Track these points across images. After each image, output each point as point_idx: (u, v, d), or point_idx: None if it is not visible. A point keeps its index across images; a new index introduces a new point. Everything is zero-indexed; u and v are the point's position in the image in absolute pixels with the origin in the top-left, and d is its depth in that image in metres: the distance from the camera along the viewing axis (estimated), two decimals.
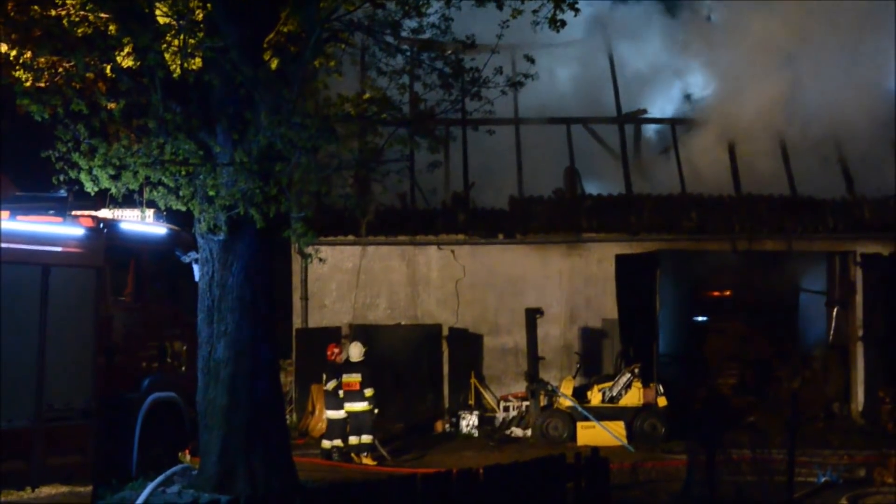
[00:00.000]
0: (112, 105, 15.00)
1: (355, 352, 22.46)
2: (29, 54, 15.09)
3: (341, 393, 22.14)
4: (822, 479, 18.95)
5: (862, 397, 26.67)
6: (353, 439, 22.01)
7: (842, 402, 27.25)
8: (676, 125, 30.19)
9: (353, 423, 22.05)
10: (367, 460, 21.72)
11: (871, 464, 19.82)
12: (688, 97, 31.25)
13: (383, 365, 24.48)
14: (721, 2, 30.49)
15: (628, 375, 24.25)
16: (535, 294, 26.81)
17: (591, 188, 28.90)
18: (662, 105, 31.42)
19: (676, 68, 31.50)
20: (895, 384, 21.40)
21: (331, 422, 22.38)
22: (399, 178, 17.58)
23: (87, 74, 15.07)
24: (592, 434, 23.36)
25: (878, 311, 26.75)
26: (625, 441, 23.27)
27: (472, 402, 26.46)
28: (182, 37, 14.83)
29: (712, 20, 31.06)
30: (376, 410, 22.23)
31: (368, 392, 21.99)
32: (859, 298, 27.13)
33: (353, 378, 22.12)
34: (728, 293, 32.04)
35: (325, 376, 22.59)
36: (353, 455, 21.89)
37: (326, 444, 22.22)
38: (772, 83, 28.77)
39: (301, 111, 14.90)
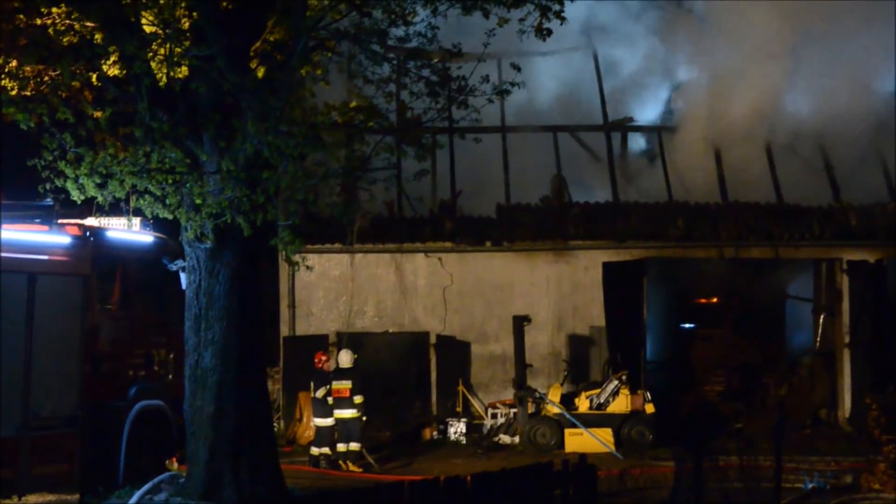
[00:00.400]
0: (98, 113, 14.98)
1: (345, 358, 22.46)
2: (14, 63, 15.05)
3: (330, 400, 22.13)
4: (810, 486, 18.99)
5: (849, 404, 26.72)
6: (340, 446, 22.00)
7: (829, 408, 27.31)
8: (663, 133, 30.26)
9: (342, 431, 22.04)
10: (353, 468, 21.72)
11: (858, 470, 19.84)
12: (672, 104, 31.28)
13: (371, 372, 24.48)
14: (708, 2, 30.56)
15: (616, 382, 24.25)
16: (523, 301, 26.84)
17: (579, 196, 28.94)
18: (648, 113, 31.49)
19: (663, 74, 31.60)
20: (882, 391, 21.38)
21: (319, 429, 22.37)
22: (386, 187, 17.61)
23: (73, 83, 15.05)
24: (580, 441, 23.36)
25: (865, 318, 26.80)
26: (612, 448, 23.28)
27: (459, 409, 26.47)
28: (168, 45, 14.83)
29: (695, 13, 30.99)
30: (364, 418, 22.24)
31: (358, 399, 22.00)
32: (846, 305, 27.18)
33: (343, 385, 22.12)
34: (715, 300, 32.10)
35: (313, 384, 22.56)
36: (340, 462, 21.88)
37: (315, 451, 22.22)
38: (757, 90, 28.86)
39: (288, 119, 14.91)
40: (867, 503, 17.89)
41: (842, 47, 29.34)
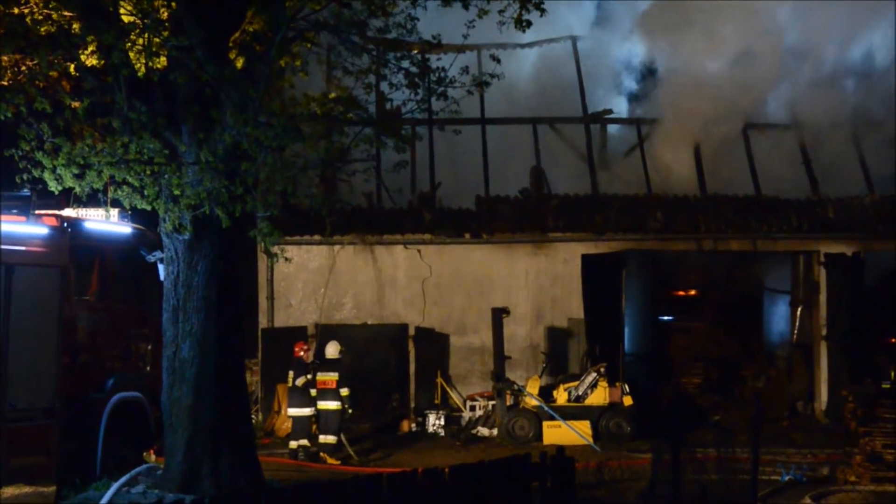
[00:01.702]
0: (76, 104, 14.91)
1: (332, 350, 22.40)
2: None
3: (313, 391, 22.07)
4: (786, 478, 19.07)
5: (825, 396, 26.82)
6: (321, 438, 21.97)
7: (806, 400, 27.42)
8: (642, 125, 30.31)
9: (322, 422, 22.00)
10: (332, 460, 21.68)
11: (835, 462, 19.97)
12: (651, 96, 31.35)
13: (350, 364, 24.38)
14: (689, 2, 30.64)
15: (594, 375, 24.30)
16: (502, 293, 26.86)
17: (558, 188, 28.96)
18: (628, 105, 31.56)
19: (642, 66, 31.71)
20: (858, 383, 21.53)
21: (295, 420, 22.29)
22: (365, 178, 17.58)
23: (51, 73, 14.98)
24: (558, 433, 23.41)
25: (842, 311, 26.90)
26: (591, 440, 23.33)
27: (438, 401, 26.49)
28: (147, 35, 14.77)
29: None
30: (350, 410, 22.22)
31: (345, 392, 21.99)
32: (823, 298, 27.27)
33: (330, 376, 22.08)
34: (693, 293, 32.19)
35: (292, 374, 22.45)
36: (321, 454, 21.83)
37: (294, 444, 22.14)
38: (736, 82, 28.94)
39: (267, 110, 14.87)
40: (843, 495, 17.96)
41: (817, 40, 29.51)
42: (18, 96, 14.61)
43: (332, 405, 21.94)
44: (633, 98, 32.11)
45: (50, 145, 14.74)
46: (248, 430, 16.53)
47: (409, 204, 28.03)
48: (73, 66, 15.26)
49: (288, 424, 23.60)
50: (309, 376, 22.20)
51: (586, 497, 17.45)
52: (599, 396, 24.16)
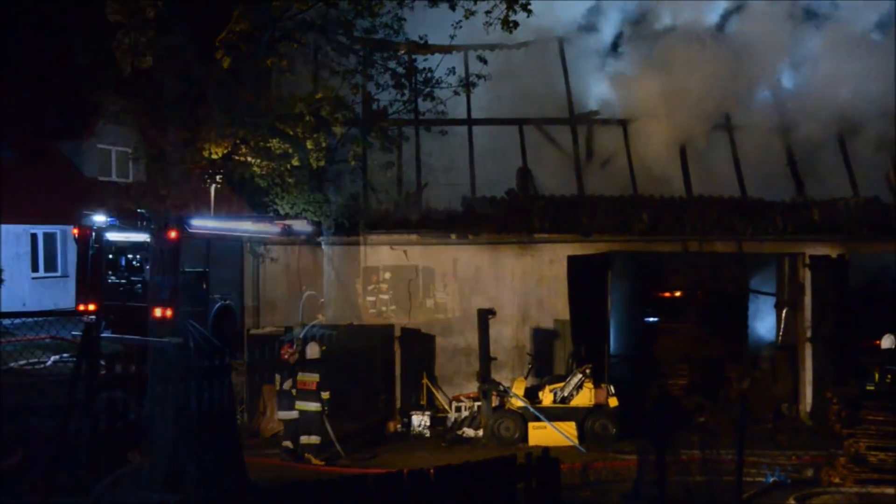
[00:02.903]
0: None
1: (312, 350, 22.38)
2: None
3: (295, 392, 22.05)
4: (771, 480, 19.12)
5: (810, 398, 26.86)
6: (303, 439, 21.95)
7: (790, 402, 27.46)
8: (628, 126, 30.32)
9: (303, 423, 21.97)
10: (316, 461, 21.67)
11: (819, 464, 20.03)
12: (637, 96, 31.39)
13: (335, 365, 24.38)
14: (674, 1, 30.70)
15: (580, 376, 24.32)
16: (488, 294, 26.86)
17: (544, 189, 28.97)
18: (614, 106, 31.58)
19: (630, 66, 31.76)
20: (843, 385, 21.59)
21: (285, 423, 22.30)
22: (352, 178, 17.59)
23: None
24: (544, 434, 23.43)
25: (827, 313, 26.93)
26: (576, 441, 23.35)
27: (424, 402, 26.47)
28: (133, 35, 14.74)
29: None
30: (326, 410, 22.18)
31: (325, 395, 21.96)
32: (808, 300, 27.31)
33: (311, 377, 22.05)
34: (679, 294, 32.20)
35: (279, 377, 22.44)
36: (306, 455, 21.81)
37: (286, 443, 22.18)
38: (723, 83, 29.00)
39: (253, 110, 14.86)
40: (827, 497, 18.02)
41: (806, 40, 29.60)
42: None
43: (312, 406, 21.92)
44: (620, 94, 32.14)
45: None
46: (233, 430, 16.52)
47: (396, 204, 28.02)
48: None
49: (273, 425, 23.57)
50: (294, 378, 22.19)
51: (571, 498, 17.48)
52: (585, 398, 24.18)
